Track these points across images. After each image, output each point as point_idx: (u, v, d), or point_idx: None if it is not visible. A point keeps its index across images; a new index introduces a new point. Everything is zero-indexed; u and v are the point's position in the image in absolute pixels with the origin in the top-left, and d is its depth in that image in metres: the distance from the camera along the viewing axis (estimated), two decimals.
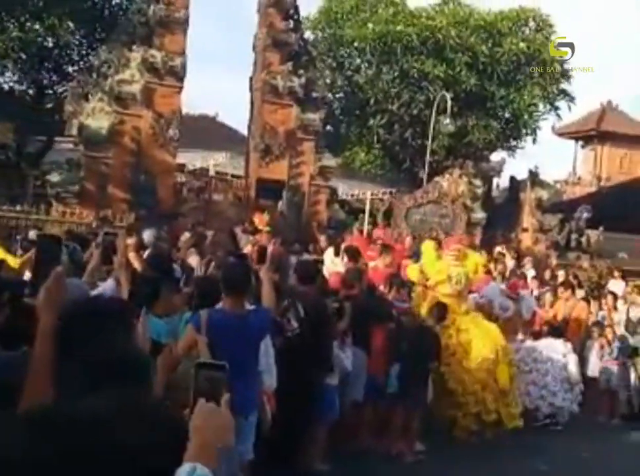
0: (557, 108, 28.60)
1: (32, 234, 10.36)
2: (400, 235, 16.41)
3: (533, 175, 21.07)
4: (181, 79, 16.53)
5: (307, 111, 17.85)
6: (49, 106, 24.11)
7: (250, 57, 18.73)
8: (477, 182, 19.33)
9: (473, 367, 8.48)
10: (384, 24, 25.82)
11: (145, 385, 2.03)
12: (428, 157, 21.60)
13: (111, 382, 1.68)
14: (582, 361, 11.40)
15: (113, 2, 23.51)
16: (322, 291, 6.91)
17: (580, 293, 13.39)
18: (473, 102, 26.21)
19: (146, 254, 8.07)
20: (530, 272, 14.10)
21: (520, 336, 10.26)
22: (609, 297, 12.73)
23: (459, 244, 9.70)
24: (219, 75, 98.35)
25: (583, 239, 19.40)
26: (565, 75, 27.68)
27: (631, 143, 37.62)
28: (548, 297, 12.46)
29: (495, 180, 24.13)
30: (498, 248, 15.49)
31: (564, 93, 28.28)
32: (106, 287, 4.67)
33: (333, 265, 10.36)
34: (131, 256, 6.35)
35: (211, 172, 21.32)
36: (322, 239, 13.71)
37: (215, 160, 26.36)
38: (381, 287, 8.88)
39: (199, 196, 17.24)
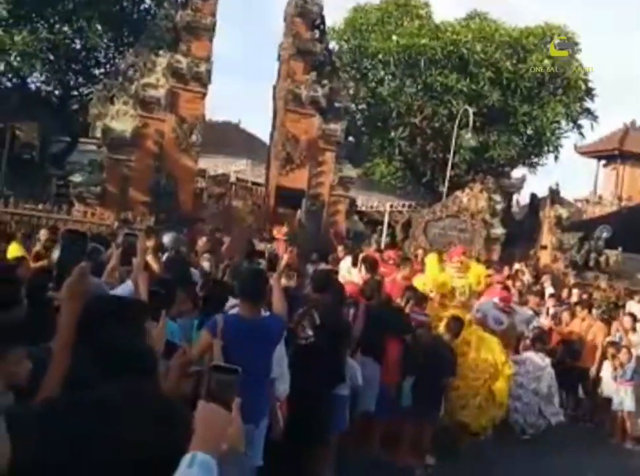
0: (579, 126, 28.50)
1: (43, 233, 10.45)
2: (416, 249, 16.39)
3: (554, 193, 20.97)
4: (205, 84, 16.64)
5: (329, 121, 17.90)
6: (75, 107, 24.40)
7: (275, 65, 18.86)
8: (497, 197, 19.27)
9: (470, 376, 8.49)
10: (409, 37, 25.86)
11: (150, 377, 2.06)
12: (448, 171, 21.57)
13: (118, 372, 1.71)
14: (598, 382, 11.35)
15: (141, 7, 23.78)
16: (339, 299, 6.91)
17: (595, 313, 13.30)
18: (496, 117, 26.16)
19: (165, 257, 8.16)
20: (549, 290, 14.03)
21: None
22: (627, 318, 12.62)
23: (461, 255, 9.70)
24: (243, 82, 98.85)
25: (602, 259, 19.26)
26: (589, 93, 27.57)
27: None
28: (565, 315, 12.39)
29: (515, 197, 24.07)
30: (516, 266, 15.45)
31: (588, 111, 28.17)
32: (124, 288, 4.71)
33: (349, 275, 10.37)
34: (149, 258, 6.41)
35: (232, 179, 21.40)
36: (340, 249, 13.70)
37: (236, 167, 26.50)
38: (398, 300, 8.90)
39: (219, 202, 17.33)
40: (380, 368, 7.53)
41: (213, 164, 24.52)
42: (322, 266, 10.79)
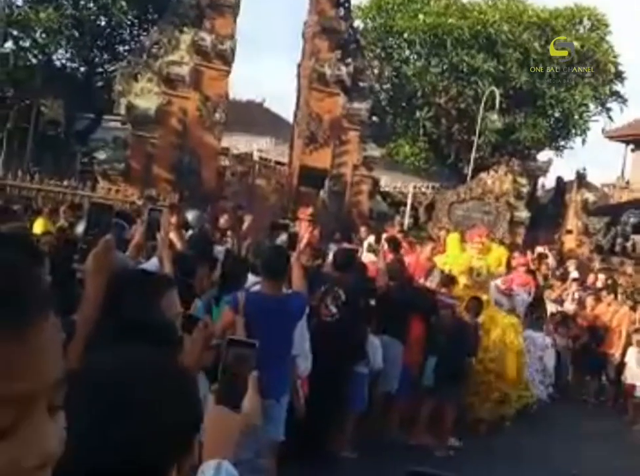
0: (608, 110, 28.09)
1: (63, 210, 10.55)
2: (440, 231, 16.30)
3: (581, 177, 20.71)
4: (229, 62, 16.57)
5: (353, 100, 17.77)
6: (99, 84, 24.45)
7: (299, 43, 18.73)
8: (523, 180, 19.04)
9: (485, 357, 8.59)
10: (435, 16, 25.59)
11: (171, 350, 2.06)
12: (473, 153, 21.37)
13: (136, 342, 1.69)
14: (622, 368, 11.27)
15: None
16: (362, 278, 6.90)
17: (620, 298, 13.17)
18: (523, 99, 25.86)
19: (189, 234, 8.16)
20: (573, 274, 13.91)
21: None
22: None
23: (483, 237, 9.71)
24: (267, 61, 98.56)
25: (628, 244, 19.01)
26: (619, 76, 27.14)
27: None
28: (590, 300, 12.28)
29: (541, 180, 23.78)
30: (539, 249, 15.29)
31: (617, 95, 27.74)
32: (150, 264, 4.71)
33: (371, 254, 10.32)
34: (173, 235, 6.40)
35: (255, 158, 21.37)
36: (363, 230, 13.65)
37: (260, 146, 26.46)
38: (421, 280, 8.89)
39: (242, 180, 17.33)
40: (403, 348, 7.53)
41: (237, 143, 24.50)
42: (345, 245, 10.75)
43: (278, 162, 21.50)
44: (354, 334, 6.33)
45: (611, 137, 36.15)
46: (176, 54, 16.21)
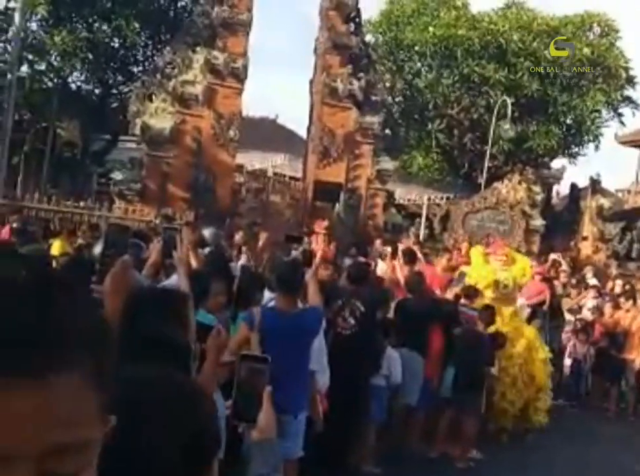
0: (620, 115, 28.00)
1: (82, 230, 10.64)
2: (456, 241, 16.31)
3: (595, 183, 20.62)
4: (242, 80, 16.72)
5: (366, 114, 17.85)
6: (114, 105, 24.73)
7: (311, 59, 18.87)
8: (537, 188, 19.02)
9: (506, 364, 8.59)
10: (445, 28, 25.66)
11: (183, 369, 2.09)
12: (487, 163, 21.37)
13: (152, 359, 1.73)
14: None
15: (178, 4, 23.99)
16: (378, 290, 6.96)
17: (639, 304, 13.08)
18: (535, 107, 25.84)
19: (205, 252, 8.23)
20: (592, 281, 13.84)
21: None
22: None
23: (506, 248, 9.69)
24: (280, 77, 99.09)
25: None
26: (630, 81, 27.06)
27: None
28: (607, 307, 12.22)
29: (555, 187, 23.71)
30: (553, 256, 15.22)
31: (629, 100, 27.65)
32: (170, 281, 4.78)
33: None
34: (189, 253, 6.47)
35: (270, 174, 21.48)
36: (378, 242, 13.68)
37: (274, 162, 26.58)
38: (438, 291, 8.90)
39: (257, 197, 17.42)
40: (423, 361, 7.55)
41: (251, 160, 24.64)
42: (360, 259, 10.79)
43: (292, 178, 21.59)
44: (371, 347, 6.36)
45: (624, 143, 35.96)
46: (189, 73, 16.39)
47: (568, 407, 11.17)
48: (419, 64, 27.09)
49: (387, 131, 19.39)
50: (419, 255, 10.16)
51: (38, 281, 0.76)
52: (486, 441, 8.23)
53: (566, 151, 28.12)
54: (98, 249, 5.20)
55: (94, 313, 0.82)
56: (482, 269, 9.30)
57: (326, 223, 14.32)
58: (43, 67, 21.91)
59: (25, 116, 22.47)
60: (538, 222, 18.45)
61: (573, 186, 21.51)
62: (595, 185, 20.49)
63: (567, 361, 11.62)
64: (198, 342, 2.67)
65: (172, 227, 6.01)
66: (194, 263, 6.88)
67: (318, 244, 12.36)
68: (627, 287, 13.95)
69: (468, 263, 11.46)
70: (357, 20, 18.49)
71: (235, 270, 7.62)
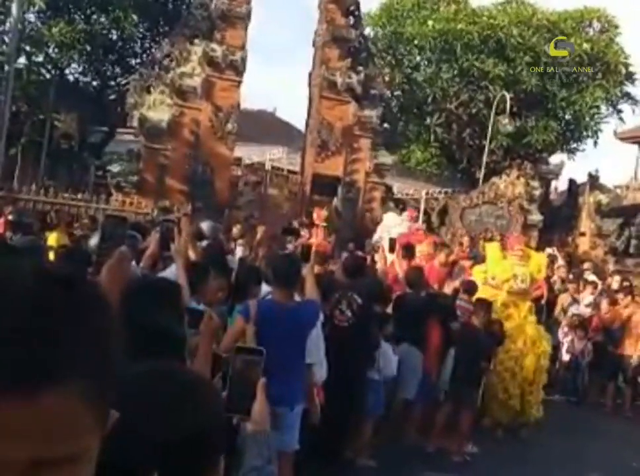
0: (619, 111, 27.95)
1: (85, 222, 10.61)
2: (454, 236, 16.29)
3: (593, 178, 20.62)
4: (241, 73, 16.68)
5: (364, 108, 17.82)
6: (112, 97, 24.63)
7: (310, 52, 18.81)
8: (535, 183, 19.01)
9: (503, 357, 8.64)
10: (445, 22, 25.58)
11: (178, 359, 2.07)
12: (485, 157, 21.34)
13: (148, 354, 1.72)
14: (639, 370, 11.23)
15: None
16: (373, 283, 6.95)
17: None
18: (534, 102, 25.80)
19: (203, 244, 8.20)
20: (590, 277, 13.84)
21: None
22: None
23: (521, 243, 9.72)
24: (279, 70, 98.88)
25: None
26: (629, 77, 27.01)
27: None
28: (604, 303, 12.22)
29: (553, 183, 23.72)
30: (548, 250, 15.21)
31: (628, 96, 27.60)
32: (168, 272, 4.77)
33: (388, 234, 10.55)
34: (188, 245, 6.44)
35: (268, 167, 21.45)
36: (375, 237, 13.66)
37: (272, 155, 26.53)
38: (435, 286, 8.89)
39: (254, 190, 17.39)
40: (422, 356, 7.56)
41: (249, 153, 24.59)
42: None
43: (290, 171, 21.56)
44: (367, 339, 6.36)
45: (623, 139, 35.93)
46: (187, 66, 16.35)
47: (565, 402, 11.17)
48: (418, 58, 27.02)
49: (386, 125, 19.35)
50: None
51: (33, 284, 0.70)
52: (482, 435, 8.24)
53: (564, 147, 28.07)
54: (94, 241, 5.18)
55: (97, 313, 0.75)
56: (501, 264, 9.32)
57: (325, 212, 14.26)
58: (40, 58, 21.83)
59: (22, 107, 22.37)
60: (536, 217, 18.45)
61: (571, 182, 21.51)
62: (593, 181, 20.49)
63: (565, 357, 11.61)
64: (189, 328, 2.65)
65: (170, 219, 5.99)
66: (192, 255, 6.86)
67: (317, 237, 12.39)
68: (625, 283, 13.96)
69: (468, 258, 11.49)
70: (356, 13, 18.44)
71: (232, 263, 7.60)
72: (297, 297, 5.23)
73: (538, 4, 27.40)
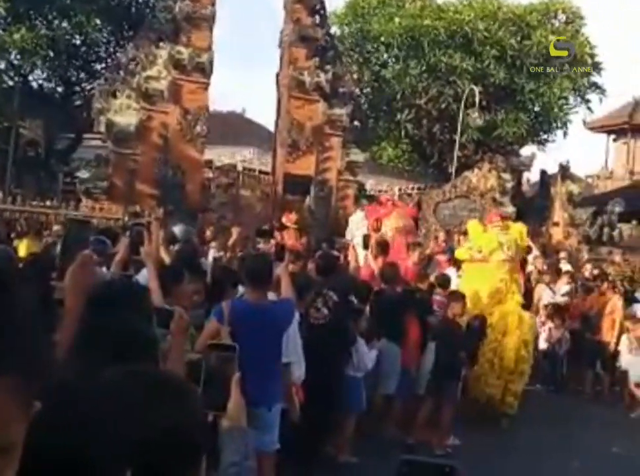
0: (587, 101, 28.20)
1: (57, 229, 10.49)
2: (428, 231, 16.32)
3: (564, 169, 20.78)
4: (208, 75, 16.56)
5: (334, 106, 17.78)
6: (78, 103, 24.35)
7: (277, 53, 18.73)
8: (507, 176, 19.11)
9: (483, 350, 8.71)
10: (411, 19, 25.63)
11: (151, 361, 2.05)
12: (456, 152, 21.40)
13: (117, 357, 1.67)
14: (616, 356, 11.31)
15: (140, 0, 23.65)
16: (347, 280, 6.94)
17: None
18: (502, 95, 25.94)
19: (176, 248, 8.11)
20: (566, 266, 13.96)
21: None
22: None
23: (498, 217, 9.90)
24: (246, 71, 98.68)
25: (615, 233, 19.09)
26: (596, 67, 27.27)
27: None
28: (581, 291, 12.34)
29: (525, 175, 23.86)
30: None
31: (595, 86, 27.87)
32: (141, 276, 4.69)
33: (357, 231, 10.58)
34: (160, 249, 6.35)
35: (239, 168, 21.34)
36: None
37: (243, 157, 26.43)
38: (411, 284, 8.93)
39: (227, 192, 17.28)
40: (401, 351, 7.58)
41: (220, 155, 24.45)
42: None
43: (262, 172, 21.47)
44: (344, 336, 6.32)
45: (592, 129, 36.30)
46: (153, 69, 16.19)
47: (544, 391, 11.22)
48: (386, 55, 27.03)
49: (356, 122, 19.35)
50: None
51: None
52: (463, 427, 8.22)
53: (535, 139, 28.26)
54: (58, 246, 5.08)
55: (27, 313, 0.80)
56: (484, 236, 9.48)
57: (294, 216, 14.22)
58: (2, 65, 21.53)
59: None
60: (509, 209, 18.52)
61: (543, 173, 21.66)
62: (564, 171, 20.65)
63: (543, 346, 11.66)
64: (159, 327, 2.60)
65: (140, 223, 5.88)
66: (166, 259, 6.77)
67: (289, 239, 12.34)
68: (597, 271, 14.12)
69: (444, 252, 11.56)
70: (322, 12, 18.41)
71: (205, 266, 7.52)
72: (272, 296, 5.18)
73: None
